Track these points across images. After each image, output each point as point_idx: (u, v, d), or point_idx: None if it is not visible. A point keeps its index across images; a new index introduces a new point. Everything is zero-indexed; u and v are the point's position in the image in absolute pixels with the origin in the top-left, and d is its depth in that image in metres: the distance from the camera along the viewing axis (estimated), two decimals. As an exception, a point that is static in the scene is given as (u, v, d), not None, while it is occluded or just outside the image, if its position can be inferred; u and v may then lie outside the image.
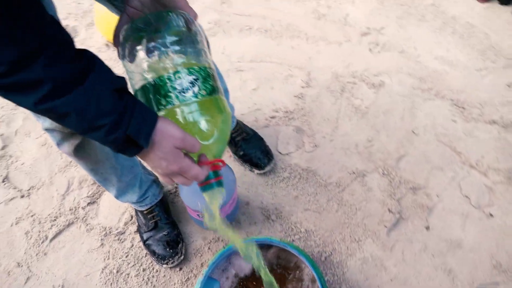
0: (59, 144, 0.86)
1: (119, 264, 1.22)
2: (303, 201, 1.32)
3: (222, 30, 1.95)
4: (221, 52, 1.83)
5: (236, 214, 1.27)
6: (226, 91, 1.21)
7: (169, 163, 0.57)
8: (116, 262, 1.23)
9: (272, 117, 1.55)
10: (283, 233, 1.25)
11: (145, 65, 0.60)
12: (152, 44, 0.60)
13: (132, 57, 0.61)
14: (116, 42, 0.64)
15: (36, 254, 1.26)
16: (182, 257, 1.19)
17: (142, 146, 0.54)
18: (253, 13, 2.05)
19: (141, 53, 0.60)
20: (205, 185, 0.65)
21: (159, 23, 0.60)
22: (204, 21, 1.99)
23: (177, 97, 0.58)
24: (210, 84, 0.61)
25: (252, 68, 1.75)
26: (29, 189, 1.40)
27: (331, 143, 1.47)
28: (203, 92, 0.60)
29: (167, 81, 0.59)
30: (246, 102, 1.61)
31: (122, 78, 0.54)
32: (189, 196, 1.09)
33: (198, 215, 1.12)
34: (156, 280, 1.19)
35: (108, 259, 1.24)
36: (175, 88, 0.59)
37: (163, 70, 0.59)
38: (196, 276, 1.18)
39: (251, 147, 1.36)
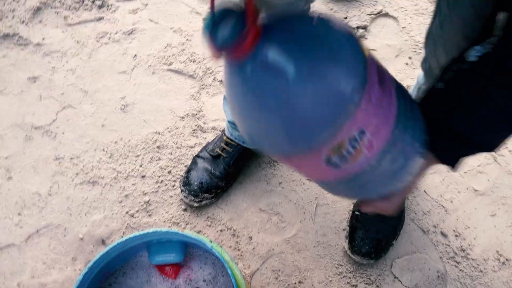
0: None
1: (166, 142, 1.10)
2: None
3: None
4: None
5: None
6: None
7: None
8: (168, 139, 1.10)
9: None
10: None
11: None
12: None
13: None
14: None
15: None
16: (195, 204, 0.99)
17: None
18: None
19: None
20: None
21: None
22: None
23: None
24: None
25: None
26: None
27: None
28: None
29: None
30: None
31: None
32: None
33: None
34: (163, 190, 1.04)
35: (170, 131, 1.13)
36: None
37: None
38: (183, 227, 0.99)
39: (371, 224, 0.97)
